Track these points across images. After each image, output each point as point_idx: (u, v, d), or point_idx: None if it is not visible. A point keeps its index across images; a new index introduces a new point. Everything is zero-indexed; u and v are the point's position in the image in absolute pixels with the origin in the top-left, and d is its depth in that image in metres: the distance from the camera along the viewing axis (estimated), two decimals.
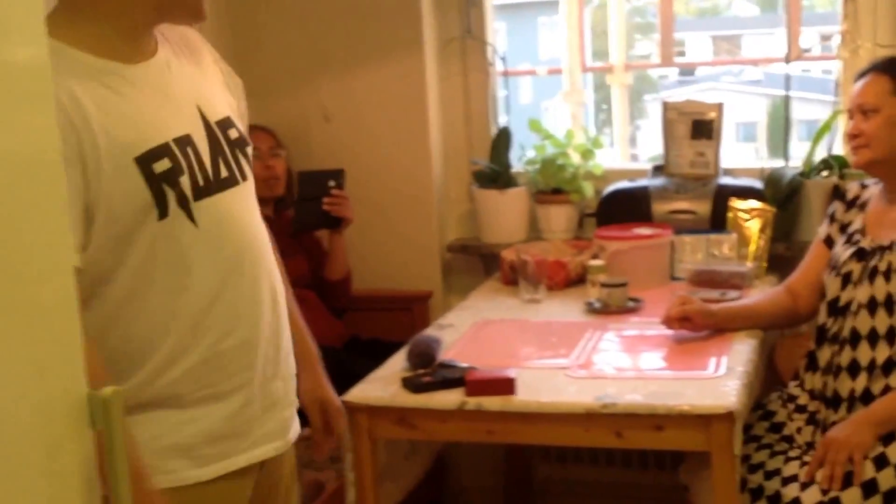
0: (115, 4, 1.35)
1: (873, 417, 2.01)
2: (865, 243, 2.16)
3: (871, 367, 2.07)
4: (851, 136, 2.19)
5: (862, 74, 2.21)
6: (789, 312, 2.33)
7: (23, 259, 1.09)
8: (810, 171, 2.77)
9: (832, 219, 2.32)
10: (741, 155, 3.91)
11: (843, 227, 2.27)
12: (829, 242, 2.31)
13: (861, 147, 2.16)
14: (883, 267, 2.08)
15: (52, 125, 1.15)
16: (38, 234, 1.11)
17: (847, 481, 1.94)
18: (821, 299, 2.22)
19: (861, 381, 2.08)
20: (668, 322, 2.26)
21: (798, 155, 2.92)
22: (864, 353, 2.08)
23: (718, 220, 2.77)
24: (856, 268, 2.15)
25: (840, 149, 2.75)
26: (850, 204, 2.29)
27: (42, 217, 1.13)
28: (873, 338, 2.08)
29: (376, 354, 2.34)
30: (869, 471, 1.95)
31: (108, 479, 1.16)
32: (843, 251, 2.20)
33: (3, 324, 1.05)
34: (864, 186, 2.29)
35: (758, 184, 2.81)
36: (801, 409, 2.21)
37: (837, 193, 2.38)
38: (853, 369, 2.09)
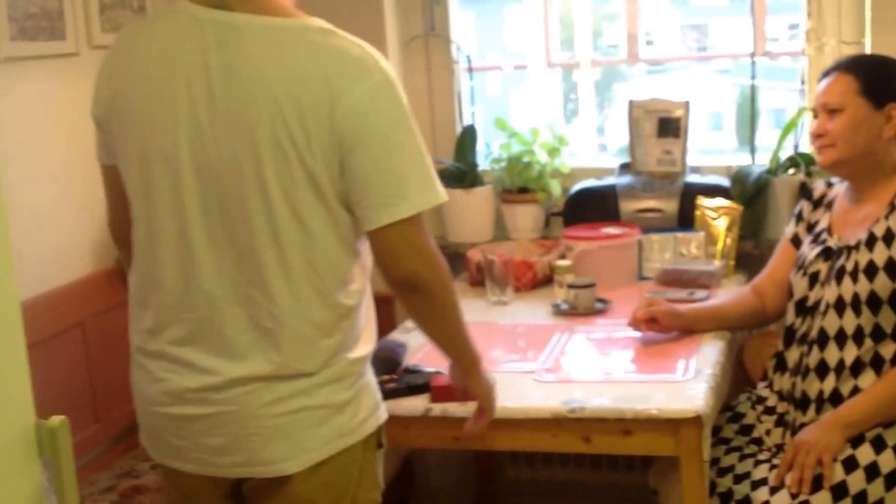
0: None
1: (842, 419, 2.00)
2: (832, 242, 2.15)
3: (840, 367, 2.06)
4: (816, 136, 2.17)
5: (826, 73, 2.19)
6: (757, 313, 2.32)
7: None
8: (777, 168, 2.76)
9: (799, 218, 2.31)
10: (710, 144, 3.89)
11: (810, 227, 2.26)
12: (795, 242, 2.29)
13: (826, 147, 2.14)
14: (850, 267, 2.07)
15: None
16: None
17: (817, 485, 1.93)
18: (788, 299, 2.21)
19: (829, 382, 2.06)
20: (636, 324, 2.23)
21: (765, 145, 2.91)
22: (832, 354, 2.07)
23: (686, 219, 2.75)
24: (823, 267, 2.13)
25: (807, 146, 2.74)
26: (817, 203, 2.28)
27: None
28: (841, 338, 2.06)
29: None
30: (839, 474, 1.94)
31: None
32: (809, 251, 2.19)
33: None
34: (829, 185, 2.28)
35: (725, 181, 2.79)
36: (770, 410, 2.19)
37: (804, 192, 2.36)
38: (821, 370, 2.08)
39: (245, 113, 1.48)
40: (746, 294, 2.34)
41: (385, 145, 1.52)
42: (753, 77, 2.90)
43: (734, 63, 4.22)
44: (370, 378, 1.69)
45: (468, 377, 1.78)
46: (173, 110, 1.51)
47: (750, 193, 2.71)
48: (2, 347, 1.14)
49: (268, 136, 1.48)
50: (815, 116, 2.19)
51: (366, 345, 1.67)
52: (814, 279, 2.14)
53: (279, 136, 1.48)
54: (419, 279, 1.58)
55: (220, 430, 1.57)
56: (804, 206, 2.30)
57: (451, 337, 1.72)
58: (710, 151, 3.22)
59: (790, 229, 2.32)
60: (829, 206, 2.24)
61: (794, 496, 1.93)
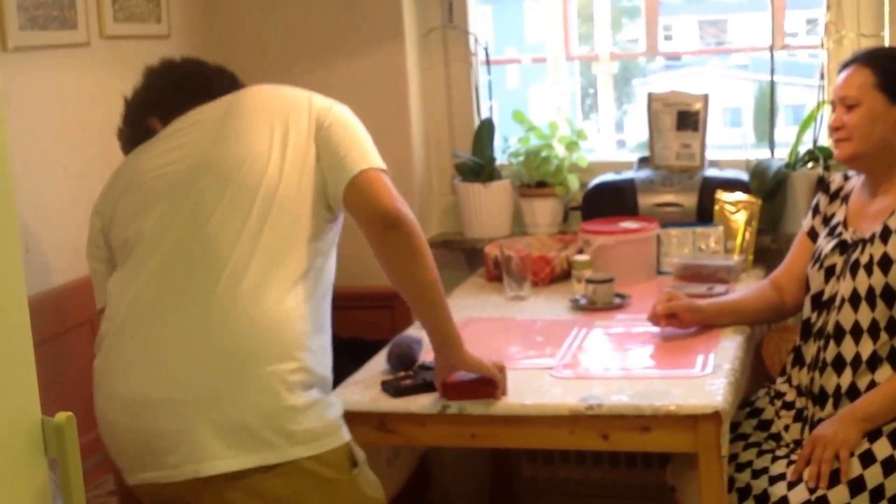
0: None
1: (859, 413, 1.98)
2: (847, 236, 2.13)
3: (856, 362, 2.04)
4: (833, 129, 2.15)
5: (845, 66, 2.17)
6: (775, 307, 2.29)
7: None
8: (796, 162, 2.73)
9: (815, 210, 2.28)
10: (728, 140, 3.86)
11: (826, 220, 2.24)
12: (812, 235, 2.27)
13: (843, 140, 2.13)
14: (864, 260, 2.05)
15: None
16: None
17: (834, 479, 1.91)
18: (806, 292, 2.18)
19: (846, 377, 2.04)
20: (655, 319, 2.21)
21: (784, 141, 2.88)
22: (848, 348, 2.05)
23: (705, 213, 2.73)
24: (838, 261, 2.12)
25: (825, 140, 2.71)
26: (834, 196, 2.25)
27: None
28: (857, 332, 2.04)
29: (356, 354, 2.29)
30: (856, 468, 1.92)
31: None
32: (825, 244, 2.17)
33: None
34: (846, 178, 2.26)
35: (744, 175, 2.77)
36: (788, 405, 2.17)
37: (822, 185, 2.34)
38: (838, 364, 2.06)
39: None
40: (765, 288, 2.32)
41: None
42: (773, 70, 2.86)
43: (752, 59, 4.19)
44: None
45: (455, 355, 1.85)
46: None
47: (769, 187, 2.68)
48: (8, 344, 1.13)
49: None
50: (833, 109, 2.17)
51: None
52: (829, 272, 2.12)
53: None
54: (399, 214, 1.77)
55: None
56: (821, 198, 2.28)
57: (431, 290, 1.82)
58: (728, 147, 3.19)
59: (807, 222, 2.30)
60: (846, 199, 2.22)
61: (811, 491, 1.92)
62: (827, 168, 2.64)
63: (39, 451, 1.15)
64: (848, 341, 2.04)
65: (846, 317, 2.05)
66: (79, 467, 1.17)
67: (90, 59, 2.52)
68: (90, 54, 2.53)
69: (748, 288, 2.41)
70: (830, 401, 2.05)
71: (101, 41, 2.57)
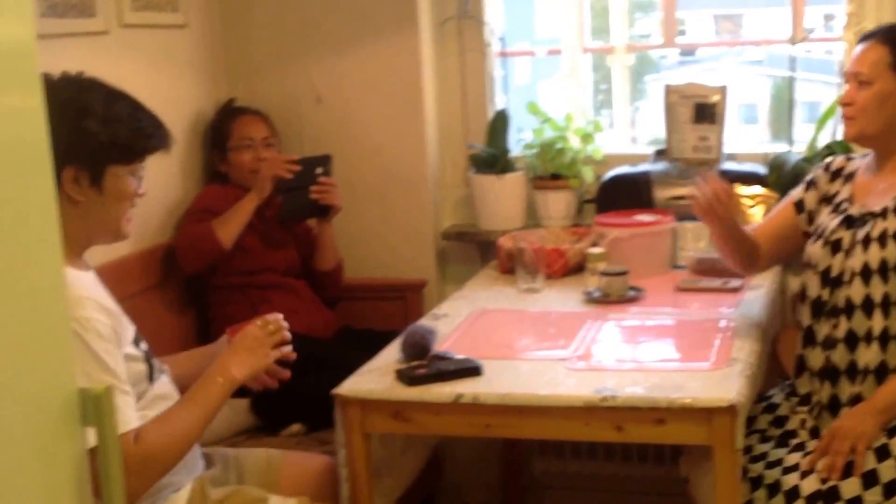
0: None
1: (878, 405, 1.97)
2: (854, 210, 2.11)
3: (868, 337, 2.03)
4: (843, 104, 2.14)
5: (863, 38, 2.14)
6: (754, 250, 2.25)
7: (12, 255, 1.08)
8: (814, 156, 2.70)
9: (810, 185, 2.26)
10: (742, 137, 3.83)
11: (828, 198, 2.22)
12: (799, 206, 2.25)
13: (850, 118, 2.11)
14: (877, 233, 2.04)
15: (40, 108, 1.13)
16: (27, 229, 1.11)
17: (847, 472, 1.90)
18: (774, 253, 2.25)
19: (859, 353, 2.04)
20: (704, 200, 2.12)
21: (800, 138, 2.85)
22: (859, 324, 2.04)
23: None
24: (845, 235, 2.10)
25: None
26: (835, 174, 2.23)
27: (32, 211, 1.12)
28: (868, 307, 2.03)
29: (369, 345, 2.28)
30: (870, 461, 1.91)
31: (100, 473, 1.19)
32: (829, 220, 2.15)
33: None
34: (849, 159, 2.24)
35: (761, 169, 2.75)
36: (805, 400, 2.15)
37: (822, 163, 2.31)
38: (850, 340, 2.05)
39: None
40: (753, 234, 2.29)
41: None
42: (793, 62, 2.84)
43: (767, 55, 4.16)
44: None
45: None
46: None
47: (786, 181, 2.66)
48: (46, 316, 1.15)
49: None
50: (847, 82, 2.15)
51: None
52: (836, 247, 2.10)
53: None
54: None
55: None
56: (820, 175, 2.25)
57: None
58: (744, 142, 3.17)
59: (798, 192, 2.27)
60: (850, 177, 2.20)
61: (823, 481, 1.91)
62: None
63: (77, 420, 1.18)
64: (859, 316, 2.03)
65: (856, 291, 2.04)
66: (116, 438, 1.20)
67: (109, 48, 2.52)
68: (109, 42, 2.53)
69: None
70: (843, 377, 2.04)
71: (119, 29, 2.58)
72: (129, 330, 1.75)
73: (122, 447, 1.58)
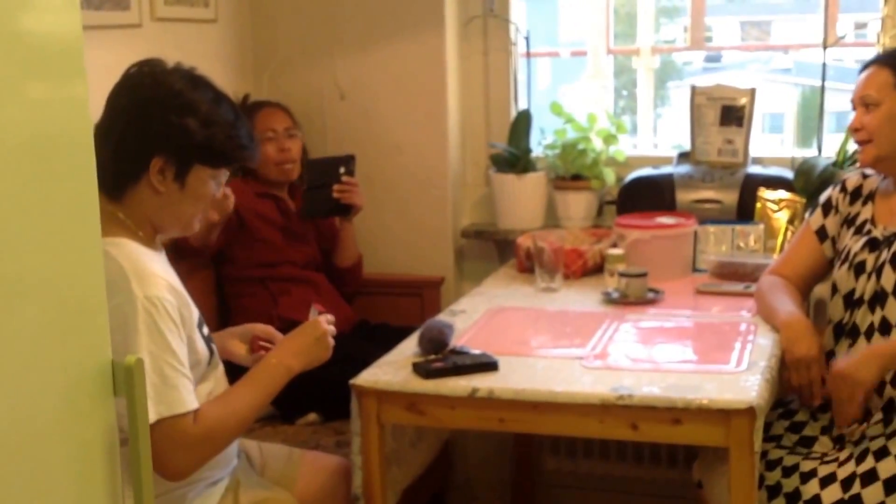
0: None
1: (880, 350, 1.99)
2: (877, 233, 2.11)
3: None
4: (854, 130, 2.14)
5: (865, 66, 2.16)
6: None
7: (51, 230, 1.12)
8: (844, 161, 2.68)
9: (828, 208, 2.25)
10: (768, 146, 3.81)
11: (849, 220, 2.22)
12: (821, 234, 2.25)
13: (864, 143, 2.12)
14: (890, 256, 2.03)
15: (84, 99, 1.16)
16: (66, 206, 1.15)
17: (871, 478, 1.88)
18: (806, 288, 2.24)
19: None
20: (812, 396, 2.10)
21: (828, 146, 2.83)
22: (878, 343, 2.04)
23: (746, 211, 2.69)
24: (868, 258, 2.10)
25: None
26: (854, 195, 2.23)
27: (71, 189, 1.15)
28: (885, 328, 2.03)
29: (385, 339, 2.29)
30: (891, 467, 1.89)
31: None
32: (853, 242, 2.15)
33: (31, 293, 1.09)
34: (865, 176, 2.24)
35: (788, 173, 2.73)
36: (824, 407, 2.13)
37: (836, 184, 2.30)
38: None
39: None
40: (790, 287, 2.26)
41: None
42: (823, 70, 2.81)
43: (795, 63, 4.13)
44: None
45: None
46: None
47: (814, 186, 2.64)
48: (82, 286, 1.17)
49: None
50: (854, 109, 2.15)
51: None
52: (859, 270, 2.10)
53: None
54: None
55: None
56: (838, 197, 2.25)
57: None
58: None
59: (816, 220, 2.27)
60: (870, 197, 2.19)
61: (844, 489, 1.89)
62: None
63: (108, 391, 1.20)
64: (876, 338, 2.04)
65: (891, 311, 2.03)
66: (145, 408, 1.22)
67: (142, 40, 2.55)
68: (142, 35, 2.56)
69: (782, 292, 2.30)
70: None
71: (152, 23, 2.61)
72: (195, 313, 1.77)
73: (182, 427, 1.63)
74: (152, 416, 1.58)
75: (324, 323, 1.90)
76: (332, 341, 1.90)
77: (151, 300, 1.62)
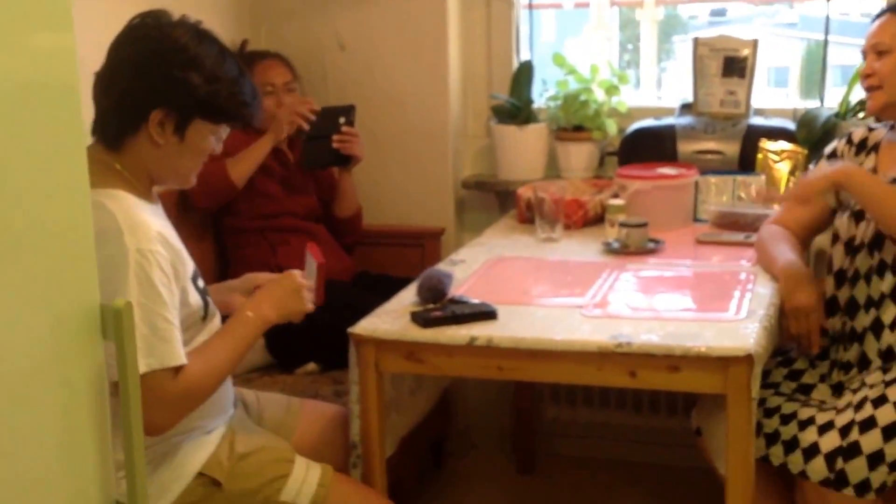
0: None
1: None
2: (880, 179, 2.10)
3: (881, 298, 2.04)
4: (864, 77, 2.14)
5: (877, 15, 2.16)
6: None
7: (38, 176, 1.12)
8: (846, 112, 2.66)
9: (834, 160, 2.25)
10: (772, 99, 3.77)
11: None
12: None
13: (874, 89, 2.12)
14: None
15: (72, 48, 1.15)
16: (54, 153, 1.15)
17: (869, 425, 1.89)
18: (808, 238, 2.27)
19: (872, 314, 2.05)
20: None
21: (831, 98, 2.81)
22: (875, 288, 2.05)
23: (747, 162, 2.68)
24: None
25: None
26: (860, 147, 2.22)
27: (59, 136, 1.15)
28: (882, 270, 2.04)
29: (385, 290, 2.28)
30: (890, 414, 1.90)
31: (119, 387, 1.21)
32: None
33: (21, 237, 1.10)
34: (871, 130, 2.23)
35: (790, 125, 2.71)
36: (822, 355, 2.14)
37: (843, 135, 2.29)
38: (868, 304, 2.06)
39: None
40: (790, 236, 2.26)
41: None
42: (827, 23, 2.78)
43: (801, 17, 4.07)
44: None
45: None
46: None
47: (816, 137, 2.62)
48: (69, 231, 1.17)
49: None
50: (865, 58, 2.15)
51: None
52: (860, 216, 2.11)
53: None
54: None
55: None
56: (844, 149, 2.24)
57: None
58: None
59: None
60: (874, 149, 2.19)
61: (843, 436, 1.90)
62: (878, 119, 2.58)
63: (97, 334, 1.20)
64: (874, 280, 2.05)
65: (889, 252, 2.05)
66: (134, 352, 1.22)
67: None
68: None
69: (782, 241, 2.30)
70: (870, 335, 2.05)
71: None
72: (189, 266, 1.75)
73: (165, 382, 1.61)
74: (142, 368, 1.57)
75: (298, 277, 1.88)
76: (308, 295, 1.88)
77: (143, 253, 1.60)
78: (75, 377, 1.18)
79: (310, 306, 1.89)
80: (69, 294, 1.17)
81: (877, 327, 2.05)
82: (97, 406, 1.21)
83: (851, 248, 2.13)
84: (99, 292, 1.21)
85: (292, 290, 1.86)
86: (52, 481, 1.17)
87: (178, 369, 1.64)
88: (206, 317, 1.78)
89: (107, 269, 1.57)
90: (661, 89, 3.49)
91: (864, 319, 2.07)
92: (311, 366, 2.51)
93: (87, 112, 1.81)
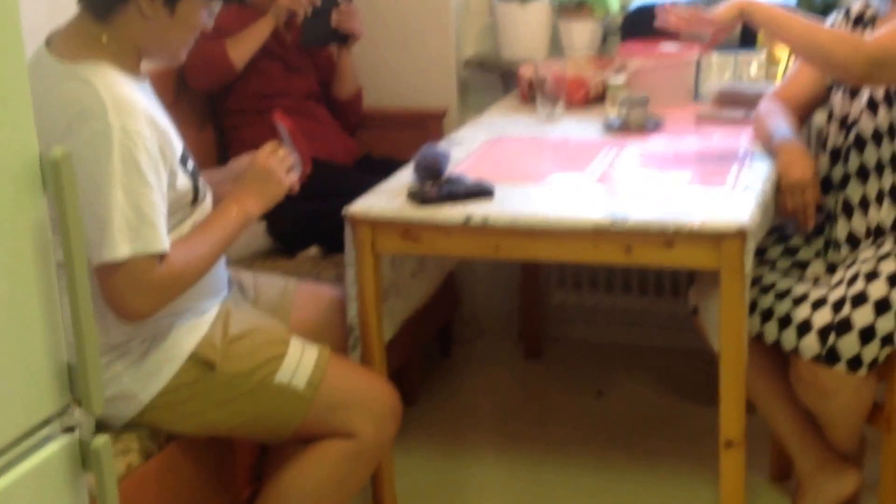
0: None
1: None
2: None
3: (879, 166, 2.04)
4: None
5: None
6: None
7: None
8: None
9: None
10: None
11: None
12: None
13: None
14: None
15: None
16: None
17: (861, 300, 1.91)
18: (805, 114, 2.24)
19: (871, 184, 2.05)
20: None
21: None
22: (870, 155, 2.05)
23: (749, 39, 2.64)
24: None
25: None
26: (857, 21, 2.17)
27: None
28: (878, 137, 2.03)
29: (388, 172, 2.28)
30: (882, 289, 1.92)
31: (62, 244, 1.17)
32: None
33: None
34: (868, 5, 2.17)
35: (791, 1, 2.64)
36: (817, 231, 2.15)
37: (840, 8, 2.24)
38: (862, 174, 2.06)
39: None
40: (788, 110, 2.24)
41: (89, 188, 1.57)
42: None
43: None
44: None
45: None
46: None
47: (817, 11, 2.56)
48: (3, 80, 1.12)
49: None
50: None
51: None
52: (854, 91, 2.09)
53: None
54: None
55: None
56: (841, 23, 2.19)
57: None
58: None
59: None
60: (871, 22, 2.14)
61: (835, 311, 1.91)
62: None
63: (37, 186, 1.16)
64: (870, 148, 2.05)
65: (865, 125, 2.04)
66: (75, 205, 1.17)
67: None
68: None
69: (779, 116, 2.25)
70: (858, 210, 2.06)
71: None
72: (178, 147, 1.72)
73: (149, 269, 1.60)
74: (125, 252, 1.56)
75: (266, 158, 1.85)
76: (282, 173, 1.85)
77: (129, 133, 1.58)
78: (19, 233, 1.14)
79: (288, 182, 1.86)
80: (6, 146, 1.12)
81: (864, 203, 2.06)
82: (41, 264, 1.17)
83: (846, 125, 2.11)
84: (52, 149, 1.16)
85: (266, 175, 1.84)
86: None
87: (161, 257, 1.63)
88: (195, 200, 1.76)
89: (90, 147, 1.56)
90: None
91: (857, 191, 2.07)
92: (313, 250, 2.53)
93: None
